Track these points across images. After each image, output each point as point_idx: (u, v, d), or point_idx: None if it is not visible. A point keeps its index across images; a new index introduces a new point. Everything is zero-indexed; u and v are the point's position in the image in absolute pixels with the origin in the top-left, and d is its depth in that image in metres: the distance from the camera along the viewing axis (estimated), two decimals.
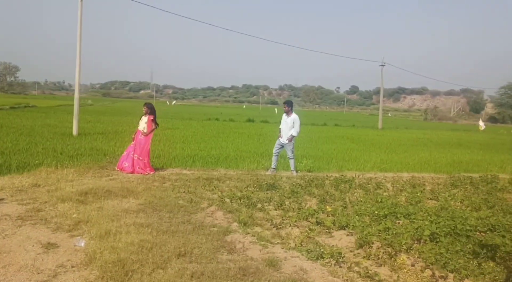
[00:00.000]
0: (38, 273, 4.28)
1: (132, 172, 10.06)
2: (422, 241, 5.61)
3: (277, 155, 11.59)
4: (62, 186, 8.13)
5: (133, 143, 10.50)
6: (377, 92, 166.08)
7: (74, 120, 18.74)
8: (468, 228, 5.79)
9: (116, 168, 10.32)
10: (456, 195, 9.30)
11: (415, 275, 4.66)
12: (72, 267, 4.47)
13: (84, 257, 4.71)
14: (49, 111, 36.81)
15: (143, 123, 10.55)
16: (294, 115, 11.42)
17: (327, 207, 7.30)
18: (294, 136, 11.39)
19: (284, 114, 11.65)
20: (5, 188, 7.73)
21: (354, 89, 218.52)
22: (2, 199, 6.99)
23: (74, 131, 18.45)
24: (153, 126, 10.67)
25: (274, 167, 11.56)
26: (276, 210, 7.31)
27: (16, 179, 8.49)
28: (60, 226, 5.80)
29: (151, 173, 10.27)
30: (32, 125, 20.65)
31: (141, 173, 10.07)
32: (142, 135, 10.45)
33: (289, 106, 11.60)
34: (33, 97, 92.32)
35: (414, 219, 6.50)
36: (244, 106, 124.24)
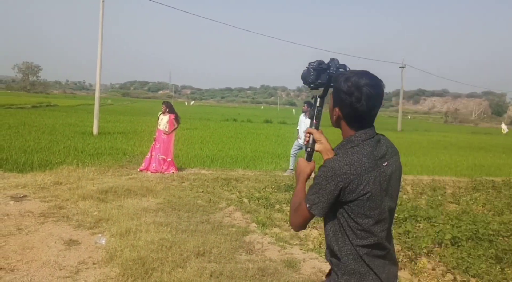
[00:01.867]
0: (61, 269, 4.34)
1: (157, 172, 10.15)
2: (443, 245, 5.53)
3: (295, 156, 11.55)
4: (83, 184, 8.24)
5: (154, 143, 10.56)
6: (396, 94, 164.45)
7: (94, 120, 19.00)
8: (490, 232, 5.70)
9: (139, 169, 10.35)
10: (478, 198, 9.14)
11: (436, 279, 4.60)
12: (93, 264, 4.53)
13: (105, 254, 4.76)
14: (70, 110, 37.40)
15: (164, 122, 10.60)
16: None
17: None
18: None
19: (302, 115, 11.62)
20: (28, 185, 7.87)
21: None
22: (25, 196, 7.12)
23: (95, 130, 18.71)
24: (175, 125, 10.75)
25: (292, 168, 11.53)
26: None
27: (38, 177, 8.64)
28: (82, 223, 5.88)
29: (176, 172, 10.37)
30: (54, 124, 21.00)
31: (163, 172, 10.16)
32: (165, 135, 10.51)
33: (309, 106, 11.56)
34: (55, 96, 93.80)
35: (435, 222, 6.42)
36: (262, 107, 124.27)
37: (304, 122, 11.47)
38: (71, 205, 6.73)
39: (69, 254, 4.78)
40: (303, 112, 11.62)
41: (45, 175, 8.88)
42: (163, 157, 10.37)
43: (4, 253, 4.59)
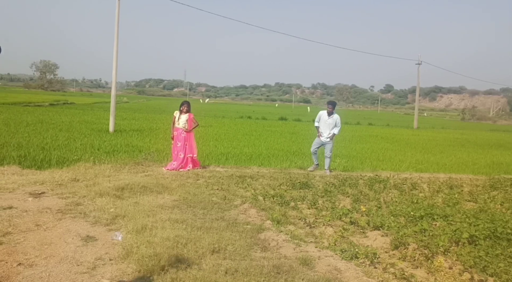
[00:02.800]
0: (78, 265, 4.40)
1: (183, 169, 10.33)
2: (460, 243, 5.47)
3: (315, 153, 11.65)
4: (100, 181, 8.33)
5: (175, 142, 10.62)
6: (412, 91, 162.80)
7: (110, 117, 19.18)
8: (509, 231, 5.61)
9: (165, 168, 10.36)
10: (496, 197, 9.02)
11: (453, 278, 4.55)
12: (110, 260, 4.58)
13: (122, 250, 4.81)
14: (87, 108, 37.82)
15: (183, 121, 10.64)
16: (336, 115, 11.55)
17: (362, 206, 7.22)
18: (335, 134, 11.48)
19: (323, 113, 11.60)
20: (46, 182, 7.98)
21: (388, 88, 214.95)
22: (43, 193, 7.22)
23: (111, 128, 18.88)
24: (196, 123, 10.85)
25: (317, 163, 11.67)
26: (309, 208, 7.28)
27: (56, 174, 8.76)
28: (98, 219, 5.95)
29: (199, 167, 10.62)
30: (71, 122, 21.26)
31: (184, 169, 10.35)
32: (185, 133, 10.57)
33: (333, 107, 11.63)
34: (71, 94, 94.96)
35: (451, 221, 6.35)
36: (276, 105, 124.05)
37: (327, 121, 11.49)
38: (88, 202, 6.81)
39: (86, 250, 4.84)
40: (328, 113, 11.57)
41: (62, 172, 9.00)
42: (193, 155, 10.53)
43: (23, 248, 4.66)
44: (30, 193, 7.19)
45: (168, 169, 10.23)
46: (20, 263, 4.34)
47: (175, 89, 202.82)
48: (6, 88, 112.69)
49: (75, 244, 4.98)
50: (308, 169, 11.57)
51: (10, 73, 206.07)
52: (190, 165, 10.51)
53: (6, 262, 4.34)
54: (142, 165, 10.64)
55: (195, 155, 10.61)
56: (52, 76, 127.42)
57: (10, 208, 6.26)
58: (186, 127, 10.59)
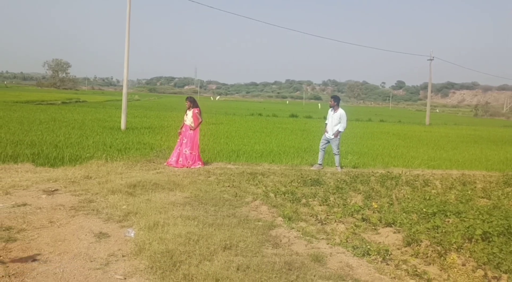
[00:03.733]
0: (91, 261, 4.44)
1: (183, 166, 10.26)
2: (473, 240, 5.42)
3: (323, 150, 11.51)
4: (112, 178, 8.40)
5: (180, 138, 10.70)
6: (424, 87, 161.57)
7: (122, 115, 19.30)
8: None
9: (165, 163, 10.49)
10: (510, 193, 8.91)
11: (466, 275, 4.51)
12: (123, 256, 4.62)
13: (134, 247, 4.85)
14: (98, 106, 38.08)
15: (189, 117, 10.71)
16: (341, 111, 11.32)
17: (373, 203, 7.18)
18: (340, 131, 11.30)
19: (330, 109, 11.54)
20: (59, 180, 8.07)
21: (400, 85, 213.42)
22: (57, 190, 7.30)
23: (122, 125, 19.00)
24: (199, 119, 10.85)
25: (321, 163, 11.49)
26: (320, 205, 7.26)
27: (69, 171, 8.85)
28: (111, 216, 6.00)
29: (202, 166, 10.49)
30: (83, 120, 21.43)
31: (190, 167, 10.27)
32: (191, 130, 10.62)
33: (335, 101, 11.49)
34: (83, 92, 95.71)
35: (464, 217, 6.29)
36: (287, 102, 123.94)
37: (332, 116, 11.40)
38: (100, 199, 6.87)
39: (99, 246, 4.88)
40: (330, 107, 11.54)
41: (75, 169, 9.09)
42: (190, 151, 10.50)
43: (37, 245, 4.72)
44: (43, 190, 7.27)
45: (169, 164, 10.31)
46: (34, 259, 4.40)
47: (186, 87, 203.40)
48: (19, 86, 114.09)
49: (88, 240, 5.03)
50: (311, 168, 11.34)
51: (23, 72, 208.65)
52: (199, 163, 10.55)
53: (21, 258, 4.40)
54: (153, 162, 10.71)
55: (194, 152, 10.61)
56: (64, 74, 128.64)
57: (24, 205, 6.35)
58: (192, 125, 10.63)
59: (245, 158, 12.38)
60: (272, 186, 8.52)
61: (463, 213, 6.54)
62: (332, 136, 11.29)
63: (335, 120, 11.28)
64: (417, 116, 64.31)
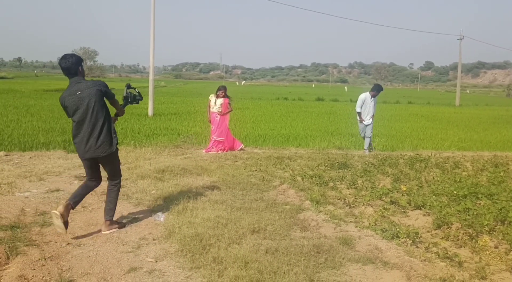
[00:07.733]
0: (123, 245, 4.55)
1: (220, 151, 10.53)
2: (506, 222, 5.31)
3: (369, 137, 11.46)
4: (141, 163, 8.53)
5: (211, 126, 10.81)
6: (454, 67, 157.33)
7: (149, 102, 19.52)
8: None
9: (204, 150, 10.61)
10: None
11: (498, 257, 4.43)
12: (154, 240, 4.71)
13: (164, 231, 4.93)
14: None
15: (219, 105, 10.70)
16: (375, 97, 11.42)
17: (402, 186, 7.09)
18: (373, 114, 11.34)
19: (367, 97, 11.26)
20: None
21: (429, 65, 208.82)
22: None
23: (150, 112, 19.24)
24: (230, 108, 10.88)
25: (367, 148, 11.46)
26: (348, 189, 7.22)
27: None
28: (141, 201, 6.11)
29: (242, 145, 11.00)
30: (111, 107, 21.70)
31: (226, 150, 10.57)
32: (218, 116, 10.66)
33: (378, 92, 11.39)
34: (111, 80, 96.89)
35: (497, 199, 6.16)
36: (313, 85, 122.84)
37: (370, 104, 11.23)
38: (130, 184, 7.00)
39: (131, 230, 4.99)
40: (372, 96, 11.30)
41: None
42: (217, 137, 10.57)
43: (71, 229, 4.85)
44: (75, 176, 7.45)
45: (206, 151, 10.41)
46: (68, 243, 4.53)
47: (211, 73, 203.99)
48: (49, 75, 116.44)
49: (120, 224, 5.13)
50: (365, 152, 11.31)
51: (52, 60, 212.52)
52: (239, 144, 10.87)
53: (56, 242, 4.54)
54: (181, 147, 10.82)
55: (227, 138, 10.68)
56: (92, 62, 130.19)
57: (58, 190, 6.53)
58: (220, 111, 10.66)
59: (272, 142, 12.38)
60: (299, 169, 8.51)
61: (495, 195, 6.41)
62: (370, 121, 11.23)
63: (372, 106, 11.25)
64: (447, 97, 62.86)
